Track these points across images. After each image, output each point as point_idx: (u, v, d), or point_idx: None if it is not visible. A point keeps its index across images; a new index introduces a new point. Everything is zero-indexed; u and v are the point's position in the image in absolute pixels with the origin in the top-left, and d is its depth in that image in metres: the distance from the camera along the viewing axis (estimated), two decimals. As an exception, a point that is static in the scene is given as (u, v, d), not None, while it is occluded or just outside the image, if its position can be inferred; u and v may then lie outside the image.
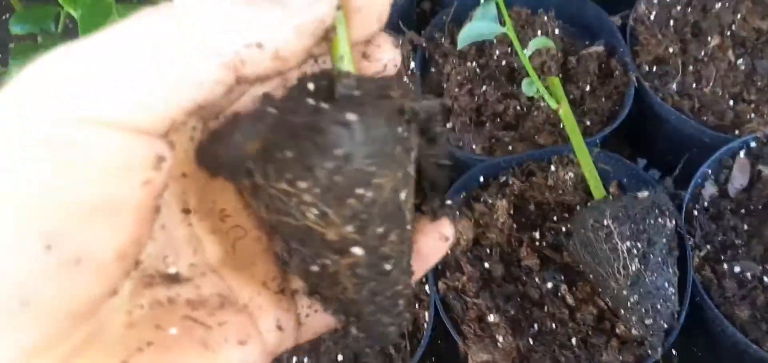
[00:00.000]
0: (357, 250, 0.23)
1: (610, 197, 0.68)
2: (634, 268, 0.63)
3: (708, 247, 0.76)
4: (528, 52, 0.72)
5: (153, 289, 0.24)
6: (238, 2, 0.20)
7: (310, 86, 0.22)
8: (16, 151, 0.18)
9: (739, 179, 0.80)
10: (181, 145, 0.24)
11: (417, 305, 0.77)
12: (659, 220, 0.65)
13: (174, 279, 0.24)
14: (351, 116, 0.21)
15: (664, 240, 0.65)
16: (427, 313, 0.75)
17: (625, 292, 0.64)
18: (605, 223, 0.64)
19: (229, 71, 0.20)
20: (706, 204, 0.79)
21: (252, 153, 0.22)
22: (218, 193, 0.26)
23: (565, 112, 0.73)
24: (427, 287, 0.77)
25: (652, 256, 0.63)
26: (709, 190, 0.80)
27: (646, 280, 0.63)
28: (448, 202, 0.29)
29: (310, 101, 0.22)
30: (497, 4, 0.71)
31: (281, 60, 0.21)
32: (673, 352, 0.76)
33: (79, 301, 0.20)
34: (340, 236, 0.22)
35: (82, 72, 0.19)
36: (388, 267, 0.24)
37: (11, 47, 1.07)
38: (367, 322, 0.26)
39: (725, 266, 0.74)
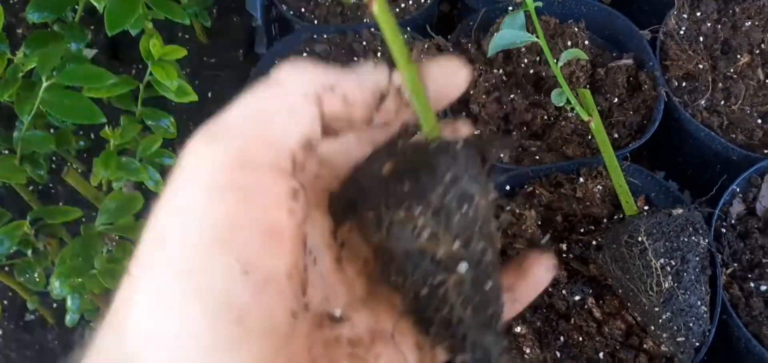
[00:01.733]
0: (463, 267, 0.26)
1: (644, 213, 0.67)
2: (667, 286, 0.62)
3: (735, 265, 0.75)
4: (559, 62, 0.72)
5: (323, 331, 0.27)
6: (318, 65, 0.26)
7: (425, 140, 0.28)
8: (207, 192, 0.23)
9: (767, 198, 0.80)
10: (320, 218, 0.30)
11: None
12: (693, 238, 0.64)
13: (338, 320, 0.28)
14: (456, 146, 0.26)
15: (697, 258, 0.64)
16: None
17: (657, 309, 0.63)
18: (640, 239, 0.63)
19: (313, 104, 0.25)
20: (733, 222, 0.79)
21: (385, 176, 0.27)
22: (359, 243, 0.31)
23: (596, 124, 0.72)
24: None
25: (685, 273, 0.63)
26: (737, 208, 0.80)
27: (679, 297, 0.62)
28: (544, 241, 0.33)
29: (424, 142, 0.27)
30: (527, 13, 0.71)
31: (349, 104, 0.26)
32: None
33: (275, 317, 0.23)
34: (448, 253, 0.26)
35: (233, 128, 0.24)
36: (488, 285, 0.27)
37: (19, 33, 1.07)
38: (472, 343, 0.28)
39: (752, 285, 0.74)
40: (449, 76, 0.30)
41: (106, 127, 0.74)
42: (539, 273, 0.32)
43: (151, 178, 0.76)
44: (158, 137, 0.79)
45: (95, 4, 0.79)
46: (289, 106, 0.25)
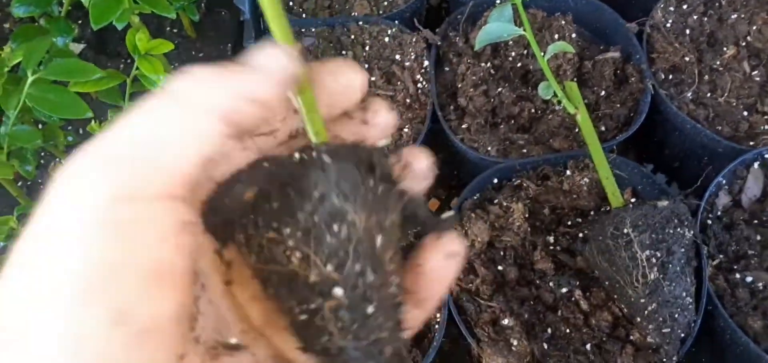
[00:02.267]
0: (338, 291, 0.24)
1: (630, 205, 0.68)
2: (652, 277, 0.63)
3: (721, 256, 0.76)
4: (546, 55, 0.72)
5: (220, 361, 0.25)
6: (222, 73, 0.23)
7: (296, 155, 0.26)
8: (82, 231, 0.20)
9: (752, 190, 0.80)
10: None
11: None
12: (678, 229, 0.65)
13: (235, 348, 0.26)
14: (326, 159, 0.25)
15: (683, 250, 0.65)
16: (439, 315, 0.75)
17: (643, 300, 0.64)
18: (625, 231, 0.64)
19: (215, 120, 0.22)
20: (719, 213, 0.79)
21: (248, 201, 0.25)
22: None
23: (582, 117, 0.73)
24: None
25: (671, 265, 0.63)
26: (723, 199, 0.80)
27: (665, 289, 0.63)
28: (445, 215, 0.29)
29: (295, 157, 0.25)
30: (514, 6, 0.71)
31: (263, 106, 0.24)
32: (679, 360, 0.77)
33: None
34: (321, 276, 0.24)
35: (117, 153, 0.21)
36: (370, 310, 0.25)
37: (6, 27, 1.06)
38: None
39: (738, 276, 0.75)
40: (343, 82, 0.28)
41: (93, 121, 0.74)
42: (438, 264, 0.28)
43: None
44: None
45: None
46: (187, 125, 0.22)
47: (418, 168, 0.28)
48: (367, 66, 0.94)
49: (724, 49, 0.90)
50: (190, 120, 0.22)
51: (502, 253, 0.77)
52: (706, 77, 0.89)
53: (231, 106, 0.22)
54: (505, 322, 0.71)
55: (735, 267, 0.75)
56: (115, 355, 0.20)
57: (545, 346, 0.70)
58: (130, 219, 0.21)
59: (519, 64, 0.92)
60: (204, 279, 0.26)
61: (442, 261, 0.28)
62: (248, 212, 0.25)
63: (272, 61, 0.24)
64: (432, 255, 0.28)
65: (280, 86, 0.24)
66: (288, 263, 0.24)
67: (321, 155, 0.25)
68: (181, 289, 0.22)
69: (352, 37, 0.97)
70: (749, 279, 0.74)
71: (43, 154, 0.96)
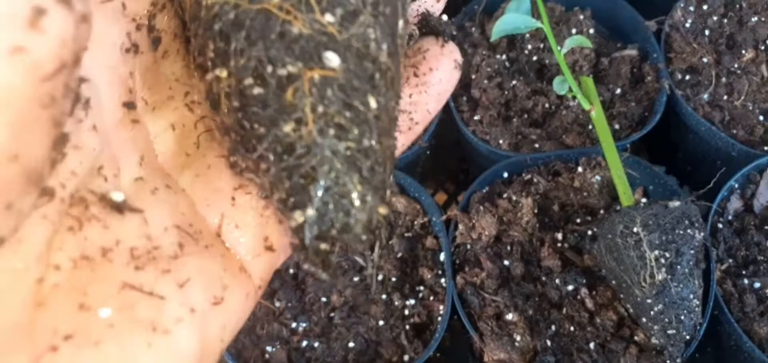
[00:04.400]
0: (331, 57, 0.16)
1: (641, 204, 0.67)
2: (660, 278, 0.62)
3: (730, 261, 0.75)
4: (563, 49, 0.71)
5: (83, 232, 0.16)
6: None
7: None
8: None
9: (765, 195, 0.79)
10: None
11: (431, 297, 0.76)
12: (688, 231, 0.64)
13: (117, 209, 0.17)
14: None
15: (692, 251, 0.64)
16: (442, 306, 0.74)
17: (649, 301, 0.63)
18: (635, 230, 0.63)
19: None
20: (730, 218, 0.78)
21: None
22: (177, 70, 0.20)
23: (597, 114, 0.72)
24: (442, 280, 0.76)
25: (679, 266, 0.63)
26: (735, 204, 0.79)
27: (672, 290, 0.62)
28: (446, 18, 0.25)
29: None
30: (533, -1, 0.70)
31: None
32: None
33: None
34: (311, 27, 0.16)
35: None
36: (371, 102, 0.17)
37: None
38: (325, 188, 0.16)
39: (746, 281, 0.74)
40: (449, 72, 0.24)
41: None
42: (445, 74, 0.23)
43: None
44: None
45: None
46: None
47: None
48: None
49: (743, 51, 0.89)
50: None
51: (508, 247, 0.76)
52: (724, 80, 0.88)
53: None
54: (509, 317, 0.70)
55: (743, 272, 0.75)
56: None
57: (548, 342, 0.69)
58: None
59: (535, 58, 0.91)
60: (96, 80, 0.17)
61: (449, 71, 0.24)
62: None
63: None
64: (441, 62, 0.24)
65: None
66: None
67: None
68: (12, 124, 0.13)
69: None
70: (757, 285, 0.73)
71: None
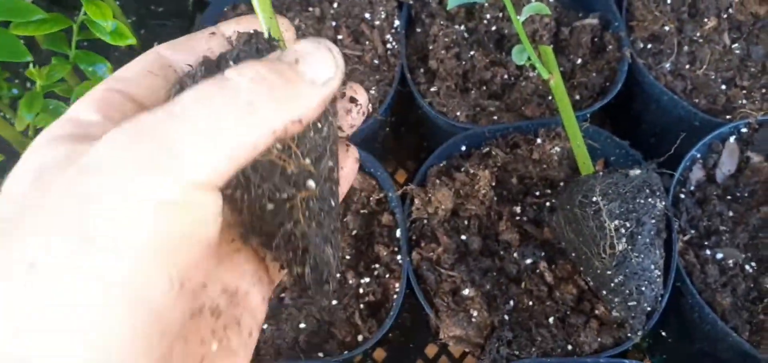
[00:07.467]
0: (311, 183, 0.28)
1: (600, 173, 0.65)
2: (620, 248, 0.60)
3: (692, 231, 0.73)
4: (521, 17, 0.68)
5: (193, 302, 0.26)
6: (277, 78, 0.25)
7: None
8: (133, 211, 0.21)
9: (727, 165, 0.78)
10: None
11: (387, 274, 0.73)
12: (649, 200, 0.62)
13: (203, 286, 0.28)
14: None
15: (653, 221, 0.62)
16: (397, 284, 0.71)
17: (609, 272, 0.61)
18: (594, 199, 0.60)
19: (275, 138, 0.25)
20: (692, 188, 0.77)
21: None
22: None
23: (556, 83, 0.69)
24: (399, 257, 0.73)
25: (640, 236, 0.60)
26: (697, 174, 0.77)
27: (633, 260, 0.60)
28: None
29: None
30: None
31: (307, 121, 0.26)
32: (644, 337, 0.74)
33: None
34: (299, 168, 0.27)
35: (169, 141, 0.22)
36: (332, 202, 0.29)
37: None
38: (314, 256, 0.29)
39: (708, 252, 0.72)
40: (351, 167, 0.34)
41: (31, 66, 0.68)
42: (349, 167, 0.34)
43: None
44: (95, 83, 0.74)
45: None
46: (241, 132, 0.24)
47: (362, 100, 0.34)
48: (334, 24, 0.89)
49: (705, 20, 0.87)
50: (245, 130, 0.24)
51: (466, 222, 0.73)
52: (686, 48, 0.86)
53: (282, 128, 0.25)
54: (466, 292, 0.67)
55: (706, 243, 0.73)
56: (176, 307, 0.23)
57: (506, 317, 0.67)
58: (183, 203, 0.22)
59: (494, 28, 0.88)
60: None
61: (351, 164, 0.34)
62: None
63: (319, 73, 0.26)
64: (347, 161, 0.34)
65: (325, 104, 0.27)
66: (268, 154, 0.26)
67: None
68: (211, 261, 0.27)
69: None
70: (719, 256, 0.72)
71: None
